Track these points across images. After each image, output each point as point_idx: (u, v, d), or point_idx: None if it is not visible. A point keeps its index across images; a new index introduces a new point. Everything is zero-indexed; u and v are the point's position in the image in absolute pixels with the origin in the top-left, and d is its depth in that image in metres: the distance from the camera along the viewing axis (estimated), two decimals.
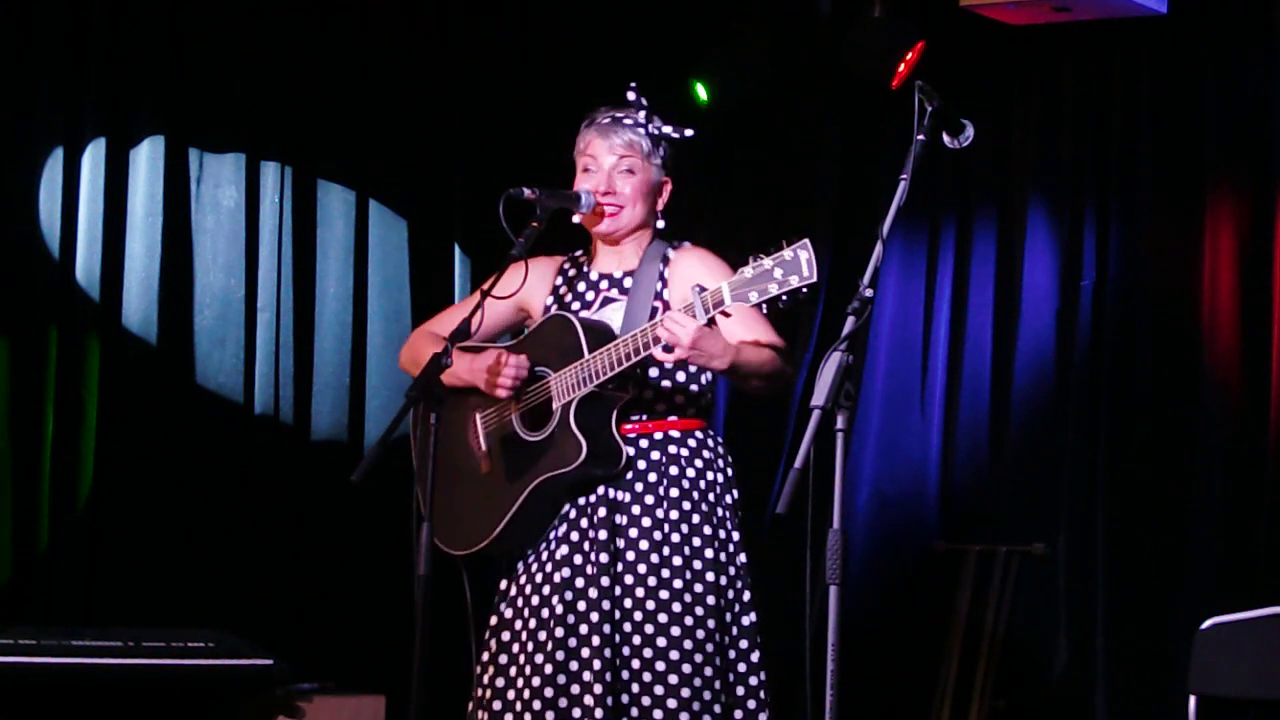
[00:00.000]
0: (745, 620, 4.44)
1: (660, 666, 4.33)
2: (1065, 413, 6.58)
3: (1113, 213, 6.58)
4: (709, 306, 4.16)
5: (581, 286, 4.58)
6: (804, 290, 4.07)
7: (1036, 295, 6.67)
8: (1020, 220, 6.73)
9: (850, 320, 3.69)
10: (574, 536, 4.42)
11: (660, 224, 4.56)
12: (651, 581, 4.37)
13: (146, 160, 6.04)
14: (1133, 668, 6.34)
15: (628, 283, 4.52)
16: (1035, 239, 6.70)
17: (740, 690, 4.42)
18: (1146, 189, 6.51)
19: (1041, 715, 6.57)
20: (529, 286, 4.51)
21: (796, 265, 4.04)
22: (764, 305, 4.12)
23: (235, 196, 6.22)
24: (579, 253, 4.66)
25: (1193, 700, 5.25)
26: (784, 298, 4.08)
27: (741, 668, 4.42)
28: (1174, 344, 6.42)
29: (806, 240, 4.05)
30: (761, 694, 4.42)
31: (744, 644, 4.43)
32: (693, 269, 4.46)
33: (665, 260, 4.51)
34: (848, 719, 3.60)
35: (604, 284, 4.56)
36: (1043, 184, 6.71)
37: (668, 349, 4.19)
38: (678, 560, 4.39)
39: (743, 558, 4.47)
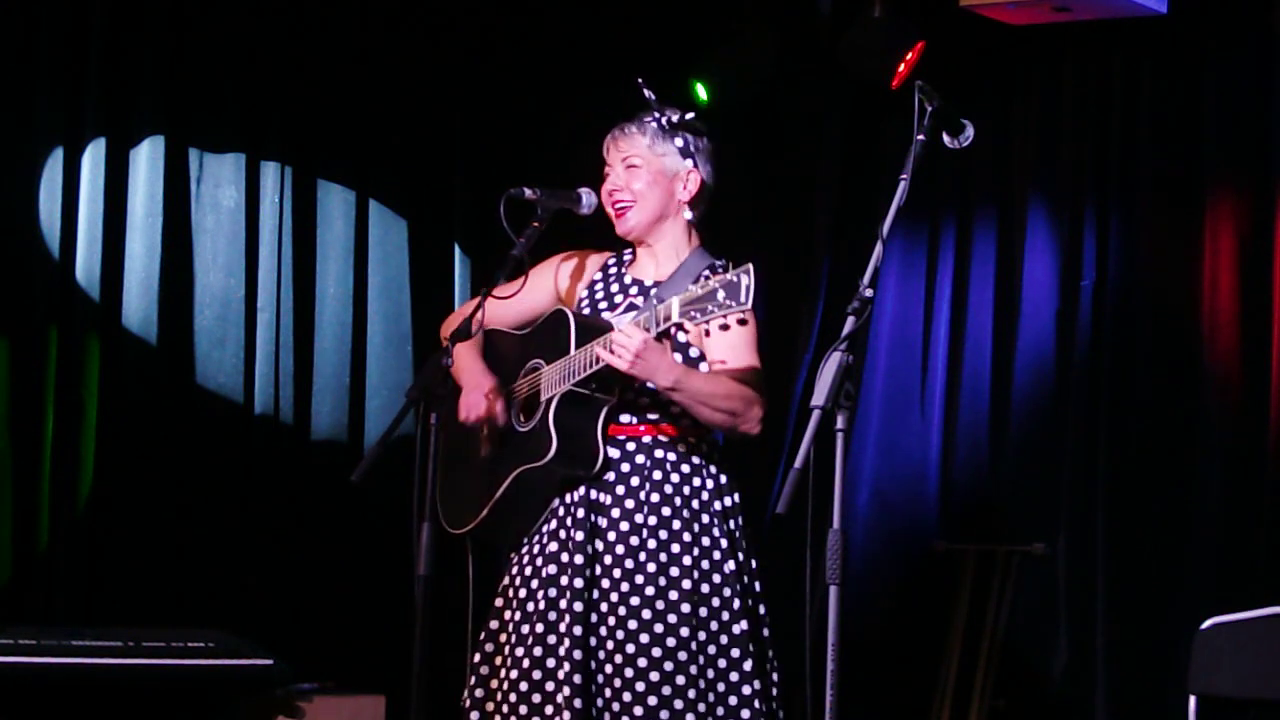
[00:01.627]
0: (735, 629, 4.38)
1: (629, 673, 4.32)
2: (1065, 413, 6.57)
3: (1113, 213, 6.57)
4: (659, 320, 4.16)
5: (615, 288, 4.59)
6: (743, 316, 4.08)
7: (1036, 295, 6.66)
8: (1020, 220, 6.72)
9: (850, 320, 3.69)
10: (561, 534, 4.43)
11: (689, 215, 4.54)
12: (625, 586, 4.36)
13: (146, 160, 6.04)
14: (1133, 668, 6.34)
15: (654, 292, 4.51)
16: (1035, 239, 6.69)
17: (733, 700, 4.37)
18: (1146, 189, 6.51)
19: (1041, 715, 6.57)
20: (568, 280, 4.58)
21: (736, 290, 4.01)
22: (707, 325, 4.11)
23: (235, 196, 6.23)
24: (627, 252, 4.65)
25: (1193, 700, 5.25)
26: (724, 319, 4.07)
27: (733, 677, 4.37)
28: (1174, 344, 6.41)
29: (750, 266, 4.02)
30: (756, 703, 4.36)
31: (735, 653, 4.38)
32: None
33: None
34: (848, 719, 3.60)
35: (634, 289, 4.56)
36: (1043, 184, 6.71)
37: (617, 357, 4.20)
38: (652, 566, 4.36)
39: (731, 565, 4.40)
